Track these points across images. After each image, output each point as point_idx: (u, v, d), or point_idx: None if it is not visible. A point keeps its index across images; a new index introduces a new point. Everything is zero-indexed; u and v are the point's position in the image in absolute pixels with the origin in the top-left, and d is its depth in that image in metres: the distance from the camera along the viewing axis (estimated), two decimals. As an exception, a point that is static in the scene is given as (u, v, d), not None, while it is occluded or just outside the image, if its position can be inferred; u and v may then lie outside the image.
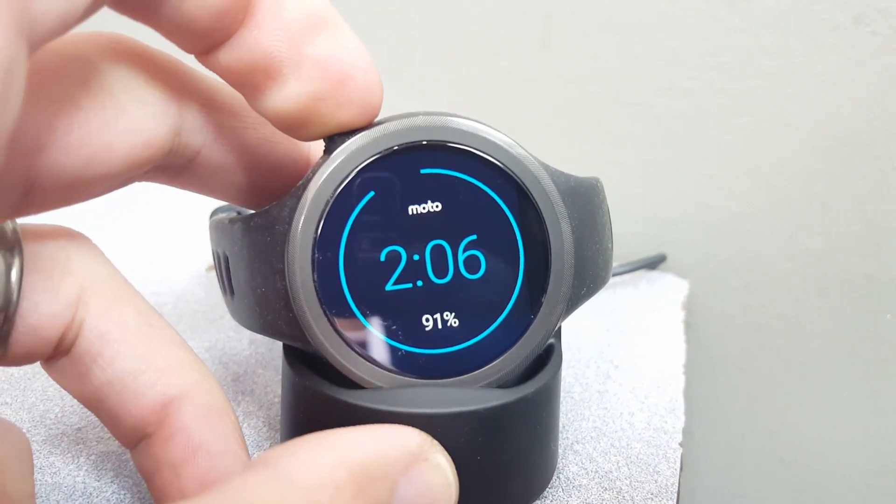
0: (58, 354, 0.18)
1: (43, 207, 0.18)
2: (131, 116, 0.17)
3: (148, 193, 0.47)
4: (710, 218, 0.39)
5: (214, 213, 0.30)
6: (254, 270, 0.20)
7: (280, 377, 0.27)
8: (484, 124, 0.20)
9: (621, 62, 0.38)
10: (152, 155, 0.18)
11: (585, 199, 0.21)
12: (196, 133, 0.19)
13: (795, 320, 0.39)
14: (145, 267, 0.36)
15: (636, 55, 0.38)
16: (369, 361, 0.20)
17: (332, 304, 0.19)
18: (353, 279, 0.19)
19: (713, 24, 0.36)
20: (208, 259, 0.37)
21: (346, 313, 0.19)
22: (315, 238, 0.19)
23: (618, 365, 0.30)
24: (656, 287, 0.37)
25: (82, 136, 0.17)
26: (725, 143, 0.38)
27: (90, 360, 0.18)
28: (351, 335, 0.19)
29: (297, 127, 0.18)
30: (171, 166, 0.19)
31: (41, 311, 0.17)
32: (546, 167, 0.20)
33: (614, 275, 0.37)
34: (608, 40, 0.38)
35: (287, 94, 0.17)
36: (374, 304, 0.19)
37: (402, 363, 0.20)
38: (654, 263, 0.39)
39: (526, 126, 0.40)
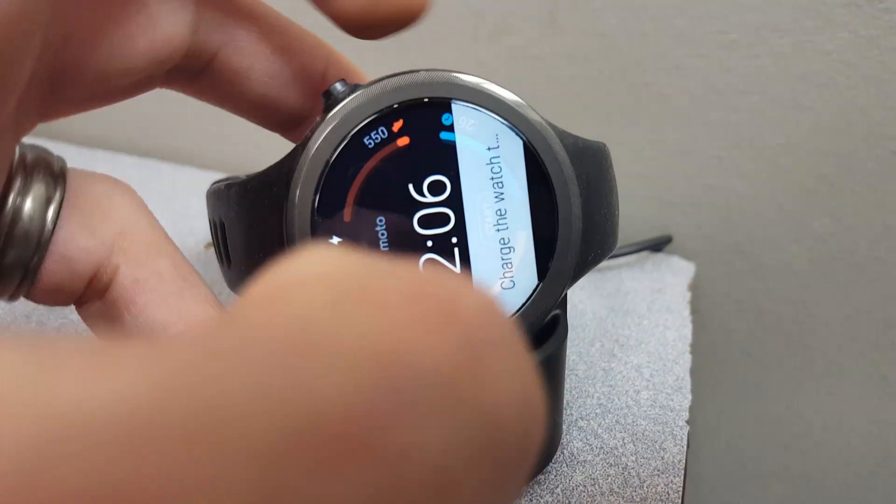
0: (91, 297, 0.18)
1: (69, 108, 0.18)
2: (151, 10, 0.18)
3: (147, 173, 0.46)
4: (717, 199, 0.39)
5: (213, 185, 0.29)
6: (251, 235, 0.20)
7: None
8: (488, 81, 0.19)
9: (629, 40, 0.38)
10: (172, 52, 0.18)
11: (593, 162, 0.20)
12: (214, 33, 0.19)
13: (802, 304, 0.39)
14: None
15: (644, 33, 0.37)
16: (370, 327, 0.19)
17: (333, 269, 0.19)
18: (354, 244, 0.19)
19: (722, 2, 0.36)
20: (206, 237, 0.37)
21: (347, 278, 0.19)
22: (315, 200, 0.19)
23: (623, 344, 0.29)
24: (662, 268, 0.36)
25: (104, 29, 0.17)
26: (733, 123, 0.37)
27: (122, 306, 0.18)
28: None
29: (360, 30, 0.18)
30: (190, 68, 0.19)
31: (75, 243, 0.18)
32: (553, 127, 0.19)
33: (619, 256, 0.37)
34: (616, 18, 0.38)
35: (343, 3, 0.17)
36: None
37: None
38: (659, 245, 0.38)
39: (532, 103, 0.39)
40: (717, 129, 0.38)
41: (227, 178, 0.29)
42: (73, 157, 0.49)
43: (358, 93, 0.18)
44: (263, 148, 0.48)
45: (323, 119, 0.19)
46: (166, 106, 0.50)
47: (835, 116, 0.35)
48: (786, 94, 0.36)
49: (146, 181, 0.44)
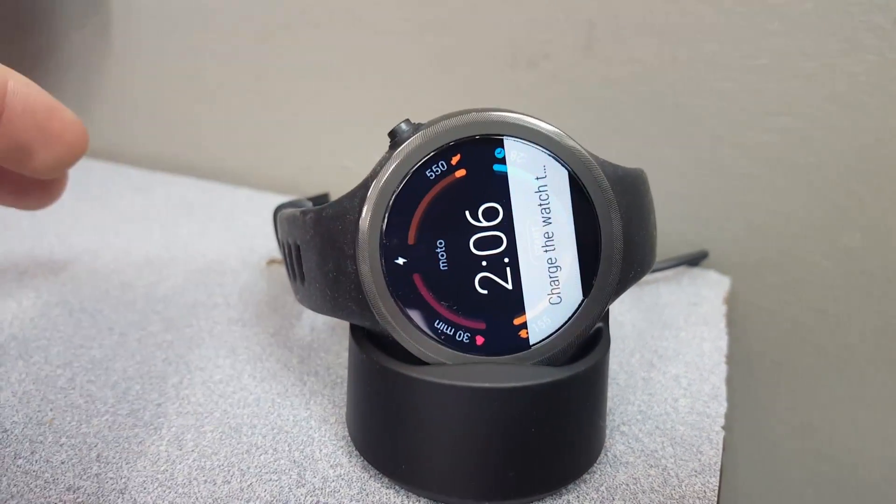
0: None
1: None
2: None
3: (207, 196, 0.49)
4: (751, 216, 0.40)
5: (279, 208, 0.32)
6: (325, 256, 0.22)
7: (340, 360, 0.29)
8: (535, 118, 0.21)
9: (662, 65, 0.40)
10: None
11: (633, 188, 0.22)
12: None
13: (834, 316, 0.40)
14: (209, 262, 0.38)
15: (677, 58, 0.39)
16: (432, 339, 0.21)
17: (399, 287, 0.21)
18: (417, 263, 0.21)
19: (752, 28, 0.37)
20: (266, 255, 0.39)
21: (412, 295, 0.21)
22: (382, 226, 0.21)
23: (661, 355, 0.31)
24: (698, 283, 0.38)
25: None
26: (765, 143, 0.39)
27: None
28: (415, 315, 0.21)
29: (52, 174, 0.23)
30: None
31: None
32: (595, 157, 0.21)
33: (657, 270, 0.38)
34: (649, 44, 0.39)
35: (40, 162, 0.22)
36: (437, 285, 0.21)
37: (462, 341, 0.21)
38: (695, 260, 0.40)
39: (570, 127, 0.41)
40: (749, 149, 0.39)
41: (292, 203, 0.31)
42: (136, 179, 0.53)
43: (420, 132, 0.21)
44: (313, 169, 0.51)
45: (390, 155, 0.21)
46: (221, 129, 0.53)
47: (863, 135, 0.37)
48: (815, 115, 0.37)
49: (207, 203, 0.47)
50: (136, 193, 0.48)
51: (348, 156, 0.50)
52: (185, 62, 0.53)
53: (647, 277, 0.38)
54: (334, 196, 0.31)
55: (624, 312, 0.35)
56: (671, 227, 0.42)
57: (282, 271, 0.37)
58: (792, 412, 0.43)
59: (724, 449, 0.26)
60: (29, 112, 0.21)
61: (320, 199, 0.38)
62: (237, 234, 0.42)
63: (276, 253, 0.40)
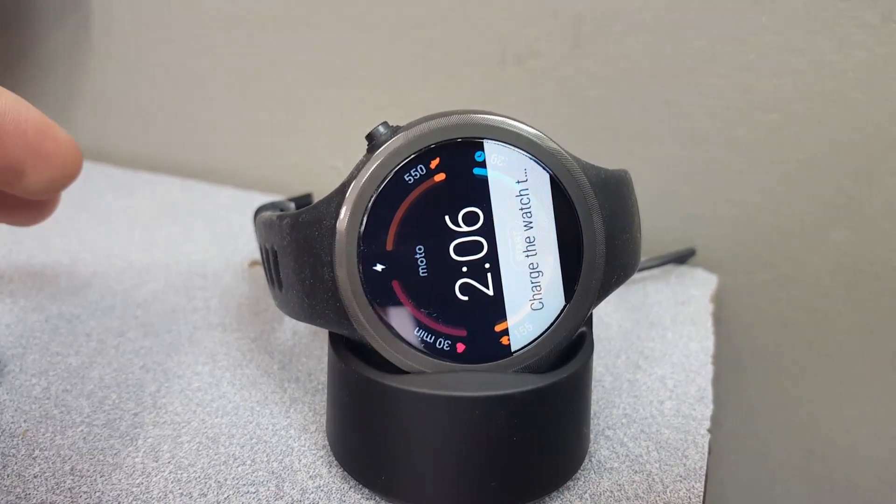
0: None
1: None
2: None
3: (190, 194, 0.48)
4: (739, 213, 0.40)
5: (259, 210, 0.31)
6: (302, 263, 0.21)
7: (322, 365, 0.29)
8: (516, 120, 0.21)
9: (651, 62, 0.39)
10: None
11: (615, 191, 0.22)
12: None
13: (823, 313, 0.40)
14: (191, 264, 0.38)
15: (665, 55, 0.39)
16: (412, 347, 0.21)
17: (377, 294, 0.21)
18: (396, 269, 0.21)
19: (741, 24, 0.37)
20: (248, 256, 0.39)
21: (390, 302, 0.21)
22: (360, 231, 0.20)
23: (647, 356, 0.31)
24: (686, 281, 0.38)
25: None
26: (754, 140, 0.38)
27: None
28: (395, 323, 0.21)
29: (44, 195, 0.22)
30: None
31: None
32: (577, 160, 0.21)
33: (644, 269, 0.38)
34: (637, 40, 0.39)
35: (32, 184, 0.21)
36: (416, 292, 0.21)
37: (443, 349, 0.21)
38: (683, 258, 0.40)
39: (557, 124, 0.41)
40: (738, 146, 0.39)
41: (272, 205, 0.31)
42: (118, 179, 0.52)
43: (399, 135, 0.20)
44: (300, 168, 0.50)
45: (367, 159, 0.20)
46: (204, 127, 0.52)
47: (852, 132, 0.36)
48: (804, 112, 0.37)
49: (190, 202, 0.46)
50: (118, 194, 0.47)
51: (335, 155, 0.49)
52: (167, 60, 0.52)
53: (634, 275, 0.38)
54: (318, 197, 0.31)
55: (610, 312, 0.34)
56: (658, 225, 0.41)
57: (263, 274, 0.37)
58: (781, 411, 0.42)
59: (710, 451, 0.25)
60: (20, 132, 0.20)
61: (303, 200, 0.38)
62: (221, 234, 0.42)
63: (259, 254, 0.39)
